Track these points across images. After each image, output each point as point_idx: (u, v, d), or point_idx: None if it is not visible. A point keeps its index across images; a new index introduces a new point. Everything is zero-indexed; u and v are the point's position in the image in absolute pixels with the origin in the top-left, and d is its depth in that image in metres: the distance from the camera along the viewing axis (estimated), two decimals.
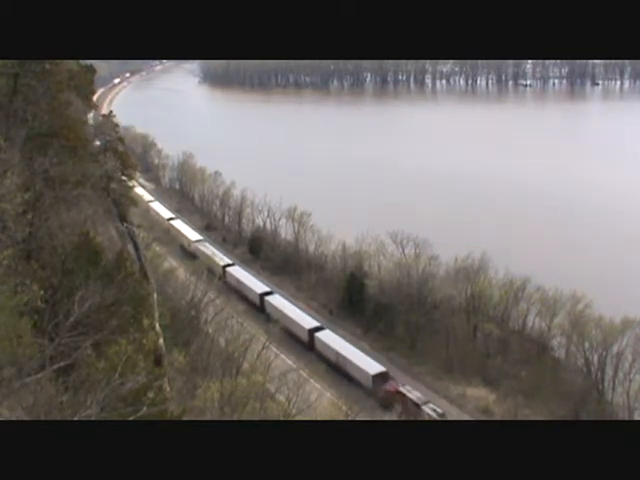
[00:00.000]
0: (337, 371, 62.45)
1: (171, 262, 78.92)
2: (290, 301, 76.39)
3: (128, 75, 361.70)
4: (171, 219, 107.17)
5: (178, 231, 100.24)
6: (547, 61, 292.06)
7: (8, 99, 31.49)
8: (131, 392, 16.79)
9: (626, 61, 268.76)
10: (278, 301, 75.36)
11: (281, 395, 48.67)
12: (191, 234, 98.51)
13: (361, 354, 62.66)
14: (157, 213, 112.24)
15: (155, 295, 41.12)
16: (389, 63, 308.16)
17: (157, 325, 34.88)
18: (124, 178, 57.07)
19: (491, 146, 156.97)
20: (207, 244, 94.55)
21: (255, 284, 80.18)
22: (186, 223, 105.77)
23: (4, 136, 26.44)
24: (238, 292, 79.73)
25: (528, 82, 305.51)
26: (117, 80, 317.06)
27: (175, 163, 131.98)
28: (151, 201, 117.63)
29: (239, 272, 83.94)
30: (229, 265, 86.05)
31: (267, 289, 78.26)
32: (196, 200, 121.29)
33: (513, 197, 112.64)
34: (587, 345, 59.56)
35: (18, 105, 31.45)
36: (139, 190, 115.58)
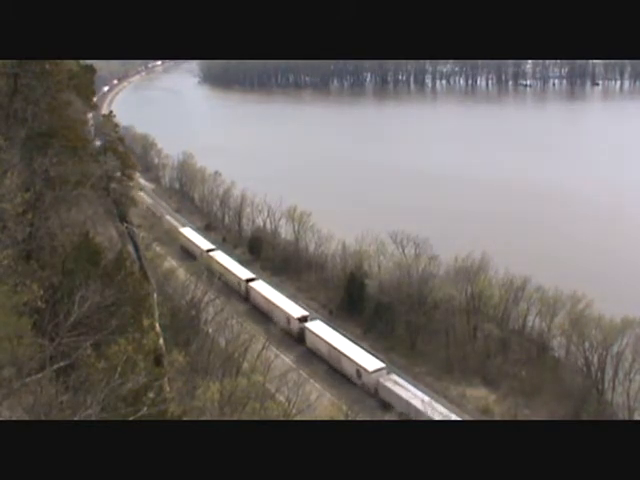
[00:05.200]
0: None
1: (171, 262, 78.90)
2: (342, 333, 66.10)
3: (116, 82, 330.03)
4: (251, 280, 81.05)
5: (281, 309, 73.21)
6: (547, 61, 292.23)
7: (8, 99, 31.51)
8: (131, 392, 16.80)
9: (626, 61, 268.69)
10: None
11: (281, 395, 48.68)
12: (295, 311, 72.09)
13: (439, 407, 52.11)
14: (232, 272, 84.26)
15: (155, 295, 41.17)
16: (389, 63, 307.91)
17: (157, 325, 34.92)
18: (124, 178, 57.16)
19: (491, 146, 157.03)
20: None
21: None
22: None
23: (4, 136, 26.44)
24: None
25: (528, 82, 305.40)
26: (106, 88, 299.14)
27: (175, 163, 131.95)
28: (211, 249, 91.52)
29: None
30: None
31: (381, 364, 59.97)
32: (196, 200, 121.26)
33: (513, 197, 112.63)
34: (587, 345, 59.55)
35: (18, 105, 31.48)
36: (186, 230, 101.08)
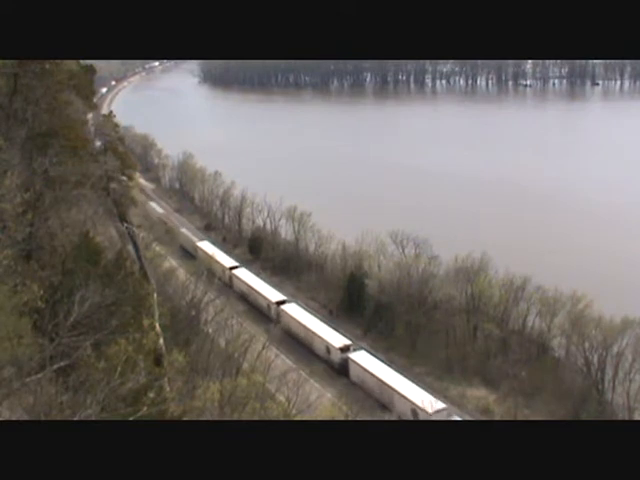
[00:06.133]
0: None
1: (171, 262, 78.84)
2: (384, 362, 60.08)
3: (114, 83, 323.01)
4: (282, 302, 73.40)
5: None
6: (547, 61, 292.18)
7: (8, 99, 31.52)
8: (131, 392, 16.82)
9: (626, 61, 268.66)
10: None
11: (281, 395, 48.69)
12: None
13: None
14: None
15: (155, 295, 41.20)
16: (389, 63, 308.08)
17: (157, 325, 34.94)
18: (124, 178, 57.23)
19: (491, 146, 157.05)
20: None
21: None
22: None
23: (4, 136, 26.45)
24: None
25: (528, 82, 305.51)
26: (104, 89, 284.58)
27: (175, 163, 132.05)
28: (235, 267, 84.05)
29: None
30: None
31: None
32: (196, 200, 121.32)
33: (513, 197, 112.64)
34: (587, 345, 59.51)
35: (18, 105, 31.49)
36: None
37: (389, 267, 74.54)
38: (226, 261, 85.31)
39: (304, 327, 66.87)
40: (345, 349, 62.09)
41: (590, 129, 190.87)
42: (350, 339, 65.30)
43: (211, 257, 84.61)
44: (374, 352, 62.53)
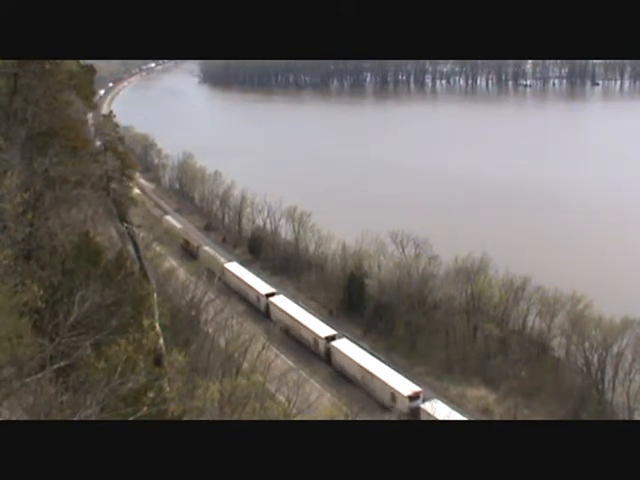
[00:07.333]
0: None
1: (171, 262, 78.81)
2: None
3: (111, 85, 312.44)
4: (332, 338, 65.71)
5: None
6: (547, 61, 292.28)
7: (8, 99, 31.51)
8: (131, 392, 16.81)
9: (626, 61, 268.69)
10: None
11: (281, 395, 48.69)
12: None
13: None
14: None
15: (155, 295, 41.16)
16: (389, 63, 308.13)
17: (157, 325, 34.92)
18: (124, 178, 57.22)
19: (491, 146, 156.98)
20: None
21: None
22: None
23: (4, 136, 26.45)
24: None
25: (528, 82, 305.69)
26: (102, 91, 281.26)
27: (175, 163, 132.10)
28: (272, 294, 75.86)
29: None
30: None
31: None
32: (196, 200, 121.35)
33: (513, 197, 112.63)
34: (587, 345, 59.57)
35: (18, 105, 31.47)
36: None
37: (389, 267, 74.56)
38: (261, 286, 77.11)
39: (361, 368, 59.12)
40: (414, 397, 54.67)
41: (590, 129, 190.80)
42: (417, 384, 56.96)
43: (241, 280, 79.15)
44: (447, 401, 55.13)
